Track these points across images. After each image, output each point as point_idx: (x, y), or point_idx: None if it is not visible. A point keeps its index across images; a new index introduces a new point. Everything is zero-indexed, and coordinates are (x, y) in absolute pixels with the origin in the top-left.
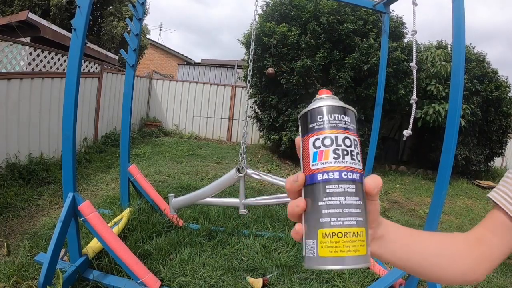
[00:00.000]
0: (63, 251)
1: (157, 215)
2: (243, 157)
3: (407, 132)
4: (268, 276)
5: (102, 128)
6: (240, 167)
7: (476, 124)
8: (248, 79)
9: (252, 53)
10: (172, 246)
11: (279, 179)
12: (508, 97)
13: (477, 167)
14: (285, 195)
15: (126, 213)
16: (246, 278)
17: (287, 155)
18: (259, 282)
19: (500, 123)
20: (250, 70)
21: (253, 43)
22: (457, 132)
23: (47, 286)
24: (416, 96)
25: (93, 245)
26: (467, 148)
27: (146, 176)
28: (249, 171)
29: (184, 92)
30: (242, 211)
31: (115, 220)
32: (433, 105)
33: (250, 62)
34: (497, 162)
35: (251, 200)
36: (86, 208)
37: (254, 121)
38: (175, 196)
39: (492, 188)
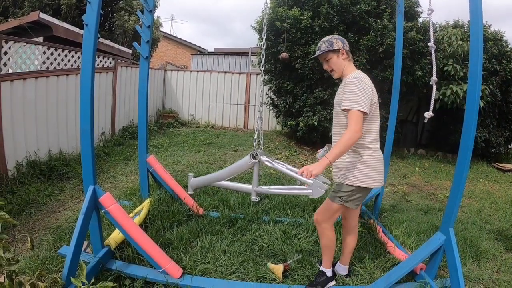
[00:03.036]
0: (85, 243)
1: (177, 205)
2: (257, 143)
3: (428, 114)
4: (288, 262)
5: (119, 122)
6: (254, 153)
7: (495, 105)
8: (261, 64)
9: (264, 38)
10: (192, 234)
11: (291, 169)
12: None
13: (497, 150)
14: (300, 186)
15: (146, 204)
16: (267, 264)
17: (304, 140)
18: (280, 268)
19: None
20: (263, 55)
21: (265, 27)
22: (477, 113)
23: (71, 278)
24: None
25: (115, 236)
26: (487, 130)
27: (164, 166)
28: (263, 158)
29: (198, 82)
30: (254, 198)
31: (136, 210)
32: (450, 86)
33: (263, 47)
34: None
35: (264, 188)
36: (106, 200)
37: (270, 108)
38: (194, 177)
39: (511, 171)
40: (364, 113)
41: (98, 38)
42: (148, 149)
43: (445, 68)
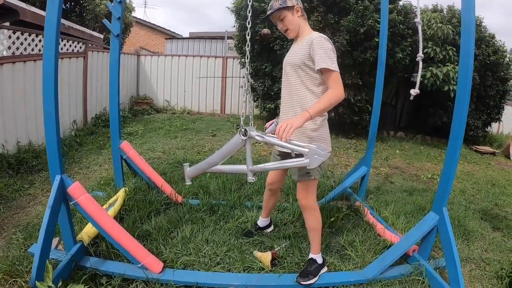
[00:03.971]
0: (57, 239)
1: (154, 193)
2: (244, 118)
3: (414, 91)
4: (276, 249)
5: (91, 110)
6: (243, 130)
7: (473, 89)
8: (247, 42)
9: (250, 13)
10: (172, 224)
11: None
12: (505, 62)
13: (475, 133)
14: (296, 159)
15: (121, 193)
16: (253, 253)
17: None
18: (267, 256)
19: (497, 88)
20: (248, 34)
21: (251, 3)
22: (469, 97)
23: (36, 282)
24: (413, 60)
25: (88, 230)
26: None
27: (140, 154)
28: (253, 133)
29: (173, 67)
30: (251, 178)
31: (110, 201)
32: (430, 68)
33: (248, 25)
34: (494, 127)
35: (259, 167)
36: (76, 190)
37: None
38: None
39: (490, 153)
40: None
41: (66, 25)
42: (122, 136)
43: (425, 50)
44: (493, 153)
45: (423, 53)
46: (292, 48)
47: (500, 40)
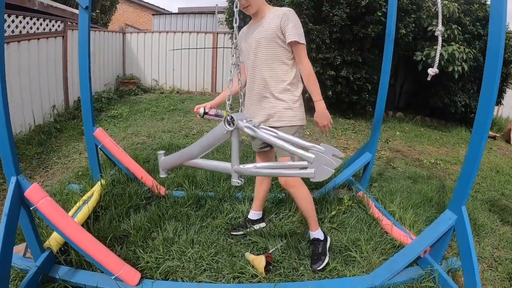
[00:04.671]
0: (24, 246)
1: (134, 185)
2: (232, 104)
3: (432, 71)
4: (271, 251)
5: (73, 92)
6: (229, 118)
7: (477, 70)
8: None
9: None
10: (153, 222)
11: (283, 138)
12: (510, 44)
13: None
14: (299, 163)
15: (97, 188)
16: (245, 255)
17: None
18: (261, 260)
19: (501, 70)
20: (236, 6)
21: None
22: (497, 85)
23: None
24: (416, 37)
25: (57, 236)
26: (467, 95)
27: (123, 138)
28: (241, 123)
29: (161, 44)
30: (235, 181)
31: (85, 198)
32: (434, 47)
33: None
34: (494, 111)
35: (248, 168)
36: (34, 193)
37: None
38: (165, 154)
39: (490, 137)
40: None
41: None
42: (105, 120)
43: (429, 28)
44: (494, 137)
45: (427, 31)
46: (254, 26)
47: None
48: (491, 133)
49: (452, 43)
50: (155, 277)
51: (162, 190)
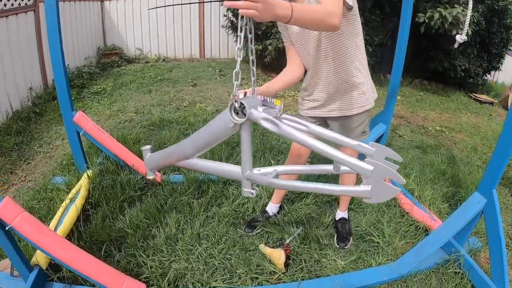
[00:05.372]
0: (8, 262)
1: (125, 174)
2: (240, 81)
3: (461, 38)
4: (288, 241)
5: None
6: (238, 105)
7: (478, 34)
8: None
9: None
10: (152, 217)
11: (321, 133)
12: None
13: (474, 80)
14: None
15: (84, 181)
16: (259, 248)
17: (272, 67)
18: (280, 255)
19: (501, 36)
20: None
21: None
22: None
23: None
24: None
25: None
26: (467, 59)
27: (109, 117)
28: (256, 112)
29: (143, 9)
30: (247, 191)
31: (70, 196)
32: (439, 9)
33: None
34: (493, 76)
35: (264, 176)
36: (7, 210)
37: (230, 31)
38: (152, 150)
39: (488, 103)
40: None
41: None
42: (88, 97)
43: None
44: (491, 103)
45: None
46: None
47: None
48: (488, 98)
49: (456, 5)
50: (162, 286)
51: (158, 177)
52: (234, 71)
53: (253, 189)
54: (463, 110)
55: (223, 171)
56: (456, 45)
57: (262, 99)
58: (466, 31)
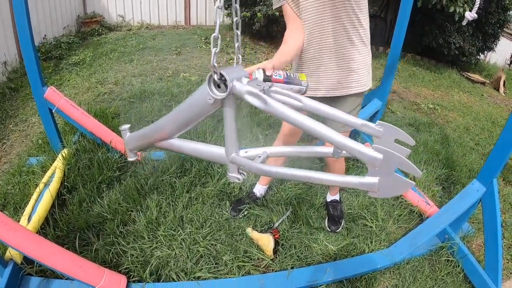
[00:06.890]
0: None
1: (103, 153)
2: (219, 48)
3: (470, 15)
4: (276, 224)
5: None
6: (217, 77)
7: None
8: None
9: None
10: (131, 200)
11: (319, 111)
12: None
13: (468, 59)
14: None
15: (58, 162)
16: (247, 232)
17: (261, 35)
18: (268, 240)
19: (498, 16)
20: None
21: None
22: None
23: None
24: None
25: None
26: (462, 38)
27: (87, 90)
28: (239, 85)
29: None
30: (233, 176)
31: (44, 180)
32: None
33: None
34: (487, 56)
35: (250, 155)
36: None
37: None
38: (131, 129)
39: (481, 82)
40: None
41: None
42: (66, 69)
43: None
44: (483, 83)
45: None
46: None
47: None
48: (480, 78)
49: None
50: (144, 278)
51: (138, 154)
52: (213, 35)
53: (240, 173)
54: (455, 88)
55: (205, 153)
56: (464, 22)
57: (285, 75)
58: (476, 8)
